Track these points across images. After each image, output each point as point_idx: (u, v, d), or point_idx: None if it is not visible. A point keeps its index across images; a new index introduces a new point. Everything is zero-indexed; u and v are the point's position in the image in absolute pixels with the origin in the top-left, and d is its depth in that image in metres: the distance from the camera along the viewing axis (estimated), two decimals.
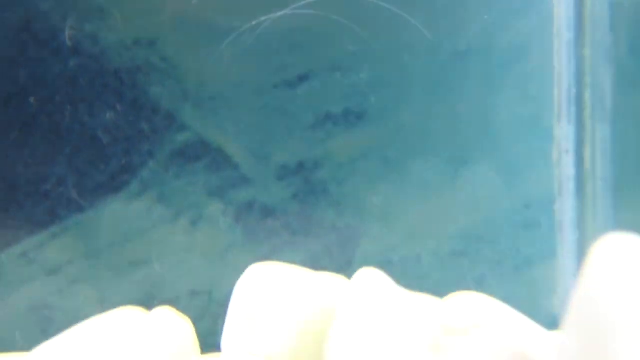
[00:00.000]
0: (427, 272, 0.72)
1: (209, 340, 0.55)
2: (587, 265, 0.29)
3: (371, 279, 0.46)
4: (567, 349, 0.30)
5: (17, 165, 0.64)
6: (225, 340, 0.52)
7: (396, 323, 0.43)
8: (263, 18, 0.67)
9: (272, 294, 0.50)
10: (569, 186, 0.72)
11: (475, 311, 0.51)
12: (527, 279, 0.73)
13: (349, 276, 0.49)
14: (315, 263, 0.54)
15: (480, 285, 0.67)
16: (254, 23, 0.67)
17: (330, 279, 0.51)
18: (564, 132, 0.72)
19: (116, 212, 0.66)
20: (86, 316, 0.45)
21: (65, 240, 0.65)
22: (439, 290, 0.52)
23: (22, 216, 0.64)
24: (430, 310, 0.45)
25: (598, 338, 0.28)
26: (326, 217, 0.70)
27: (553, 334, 0.46)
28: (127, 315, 0.44)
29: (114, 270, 0.67)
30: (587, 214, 0.71)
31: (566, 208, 0.72)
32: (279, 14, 0.68)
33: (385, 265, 0.48)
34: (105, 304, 0.47)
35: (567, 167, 0.72)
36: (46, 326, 0.63)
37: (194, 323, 0.55)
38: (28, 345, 0.46)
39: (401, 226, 0.72)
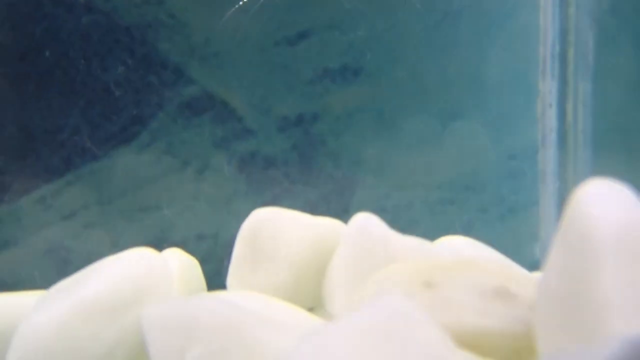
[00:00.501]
0: (417, 218, 0.72)
1: (215, 280, 0.55)
2: (569, 208, 0.29)
3: (367, 222, 0.46)
4: (547, 285, 0.31)
5: (34, 116, 0.64)
6: (231, 279, 0.52)
7: (390, 261, 0.43)
8: None
9: (274, 236, 0.50)
10: (552, 138, 0.72)
11: (462, 252, 0.51)
12: (511, 226, 0.73)
13: (345, 222, 0.50)
14: (313, 210, 0.55)
15: (467, 231, 0.68)
16: None
17: (328, 222, 0.51)
18: (547, 87, 0.72)
19: (127, 161, 0.67)
20: (100, 258, 0.45)
21: (80, 187, 0.66)
22: (429, 235, 0.52)
23: (40, 164, 0.64)
24: (422, 250, 0.46)
25: (577, 275, 0.28)
26: (324, 167, 0.71)
27: (534, 274, 0.47)
28: (140, 255, 0.44)
29: (126, 215, 0.67)
30: (568, 164, 0.71)
31: (548, 158, 0.73)
32: None
33: (379, 212, 0.48)
34: (117, 247, 0.47)
35: (550, 120, 0.72)
36: (63, 267, 0.63)
37: (201, 264, 0.55)
38: (46, 284, 0.46)
39: (394, 176, 0.72)
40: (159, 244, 0.61)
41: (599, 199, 0.28)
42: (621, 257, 0.27)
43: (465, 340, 0.35)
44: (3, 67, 0.62)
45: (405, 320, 0.28)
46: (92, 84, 0.65)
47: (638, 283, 0.27)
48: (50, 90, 0.64)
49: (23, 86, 0.63)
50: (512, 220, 0.73)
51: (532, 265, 0.61)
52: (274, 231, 0.50)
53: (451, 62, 0.72)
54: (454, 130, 0.73)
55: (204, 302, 0.38)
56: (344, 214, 0.56)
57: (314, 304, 0.50)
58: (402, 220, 0.70)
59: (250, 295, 0.45)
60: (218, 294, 0.46)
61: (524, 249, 0.71)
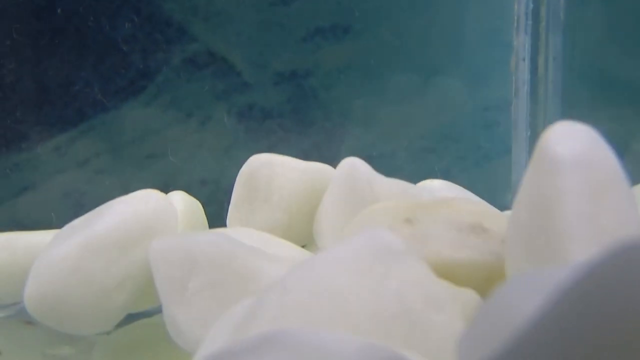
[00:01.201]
0: (400, 165, 0.72)
1: (217, 221, 0.55)
2: (537, 148, 0.29)
3: (354, 166, 0.46)
4: (517, 219, 0.31)
5: (49, 70, 0.63)
6: (230, 219, 0.52)
7: (375, 201, 0.43)
8: None
9: (269, 180, 0.50)
10: (524, 89, 0.72)
11: (441, 193, 0.51)
12: (486, 172, 0.73)
13: (335, 168, 0.50)
14: (305, 157, 0.54)
15: (445, 176, 0.67)
16: None
17: (318, 166, 0.51)
18: (521, 42, 0.71)
19: (136, 113, 0.66)
20: None
21: (92, 137, 0.65)
22: (411, 180, 0.52)
23: (55, 114, 0.64)
24: (404, 191, 0.46)
25: (543, 209, 0.28)
26: (315, 118, 0.70)
27: (506, 212, 0.47)
28: (147, 195, 0.44)
29: (135, 162, 0.67)
30: (538, 114, 0.71)
31: (520, 109, 0.72)
32: None
33: (365, 159, 0.49)
34: (127, 191, 0.47)
35: (523, 73, 0.72)
36: (77, 209, 0.63)
37: (204, 207, 0.55)
38: (62, 225, 0.46)
39: (379, 127, 0.72)
40: (166, 189, 0.61)
41: (565, 138, 0.28)
42: (583, 193, 0.27)
43: (442, 271, 0.35)
44: (20, 24, 0.61)
45: (388, 251, 0.28)
46: (101, 41, 0.64)
47: (597, 216, 0.27)
48: (62, 46, 0.63)
49: (37, 41, 0.62)
50: (486, 167, 0.73)
51: (505, 207, 0.61)
52: (269, 175, 0.50)
53: (432, 21, 0.72)
54: (434, 84, 0.73)
55: (205, 237, 0.38)
56: (333, 161, 0.56)
57: (307, 241, 0.50)
58: (387, 166, 0.69)
59: (247, 232, 0.45)
60: (218, 230, 0.46)
61: (498, 193, 0.71)
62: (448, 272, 0.35)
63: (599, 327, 0.11)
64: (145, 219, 0.42)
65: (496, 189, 0.72)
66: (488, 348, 0.16)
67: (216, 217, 0.55)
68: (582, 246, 0.26)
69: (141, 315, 0.46)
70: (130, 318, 0.44)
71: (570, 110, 0.70)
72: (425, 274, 0.28)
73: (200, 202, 0.54)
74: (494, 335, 0.19)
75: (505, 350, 0.13)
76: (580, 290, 0.12)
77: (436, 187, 0.52)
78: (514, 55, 0.72)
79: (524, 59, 0.71)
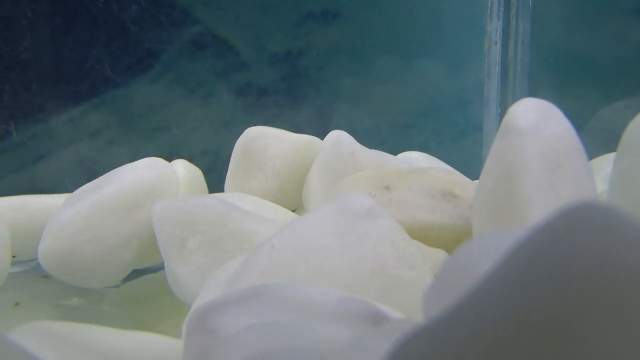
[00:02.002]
0: (384, 139, 0.72)
1: (216, 188, 0.55)
2: (503, 122, 0.29)
3: (340, 138, 0.46)
4: (483, 187, 0.31)
5: (63, 48, 0.62)
6: (228, 185, 0.52)
7: (358, 169, 0.43)
8: None
9: (263, 150, 0.50)
10: (496, 71, 0.71)
11: (418, 163, 0.51)
12: (460, 146, 0.73)
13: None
14: (297, 131, 0.54)
15: (424, 150, 0.67)
16: None
17: (308, 138, 0.51)
18: (494, 27, 0.71)
19: (143, 88, 0.66)
20: None
21: (103, 110, 0.65)
22: (392, 152, 0.52)
23: (69, 89, 0.63)
24: (384, 161, 0.45)
25: (507, 178, 0.28)
26: (307, 95, 0.70)
27: (475, 181, 0.47)
28: (152, 163, 0.44)
29: (142, 134, 0.67)
30: (508, 93, 0.71)
31: (492, 89, 0.72)
32: None
33: (352, 133, 0.49)
34: (135, 160, 0.47)
35: (494, 56, 0.71)
36: (89, 175, 0.63)
37: (205, 175, 0.55)
38: (76, 190, 0.46)
39: (365, 104, 0.72)
40: (170, 158, 0.61)
41: (528, 113, 0.28)
42: (543, 164, 0.27)
43: (416, 232, 0.35)
44: (37, 5, 0.61)
45: (366, 214, 0.28)
46: (111, 22, 0.63)
47: (556, 185, 0.27)
48: (75, 26, 0.62)
49: (52, 21, 0.62)
50: (461, 141, 0.73)
51: (476, 177, 0.61)
52: (263, 146, 0.50)
53: (414, 7, 0.71)
54: (415, 66, 0.72)
55: (203, 200, 0.38)
56: (323, 135, 0.56)
57: (297, 206, 0.50)
58: (371, 140, 0.69)
59: (242, 197, 0.45)
60: (216, 195, 0.46)
61: (470, 164, 0.71)
62: (421, 234, 0.35)
63: (550, 281, 0.11)
64: (150, 184, 0.42)
65: (469, 161, 0.71)
66: (449, 301, 0.16)
67: (216, 184, 0.55)
68: (540, 211, 0.26)
69: (145, 271, 0.46)
70: (136, 273, 0.45)
71: (537, 90, 0.69)
72: (399, 235, 0.28)
73: (201, 170, 0.54)
74: (455, 290, 0.19)
75: (464, 303, 0.13)
76: (533, 249, 0.12)
77: (414, 159, 0.52)
78: (487, 40, 0.72)
79: (495, 43, 0.71)
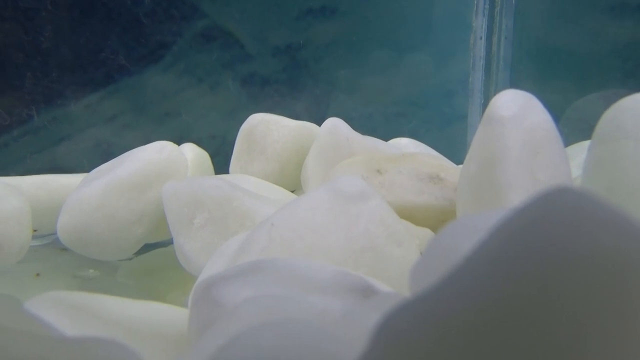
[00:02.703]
0: (376, 126, 0.72)
1: (222, 170, 0.54)
2: (487, 111, 0.29)
3: (335, 124, 0.45)
4: (467, 171, 0.30)
5: (81, 38, 0.61)
6: (232, 167, 0.52)
7: (352, 154, 0.43)
8: None
9: (264, 135, 0.49)
10: (480, 64, 0.71)
11: (407, 149, 0.51)
12: (446, 133, 0.73)
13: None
14: (297, 118, 0.54)
15: (413, 137, 0.67)
16: None
17: (306, 124, 0.51)
18: (479, 23, 0.70)
19: (155, 77, 0.65)
20: None
21: (118, 97, 0.64)
22: (384, 139, 0.52)
23: (86, 77, 0.63)
24: (376, 146, 0.45)
25: (489, 163, 0.28)
26: (306, 85, 0.70)
27: (459, 166, 0.46)
28: (162, 145, 0.43)
29: (154, 119, 0.66)
30: (491, 85, 0.71)
31: (476, 80, 0.72)
32: None
33: (347, 121, 0.48)
34: (147, 143, 0.47)
35: (479, 50, 0.71)
36: (105, 157, 0.62)
37: (212, 158, 0.55)
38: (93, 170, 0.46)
39: (359, 94, 0.72)
40: (180, 142, 0.61)
41: (509, 103, 0.28)
42: (523, 151, 0.27)
43: (405, 213, 0.35)
44: (57, 0, 0.60)
45: (359, 195, 0.28)
46: (125, 15, 0.62)
47: (534, 170, 0.27)
48: (93, 18, 0.62)
49: (71, 14, 0.61)
50: (447, 129, 0.73)
51: (460, 162, 0.61)
52: (265, 132, 0.49)
53: (405, 5, 0.71)
54: (405, 59, 0.72)
55: (209, 181, 0.37)
56: (321, 122, 0.55)
57: (295, 187, 0.50)
58: (365, 127, 0.69)
59: (245, 178, 0.44)
60: (221, 176, 0.45)
61: (455, 150, 0.71)
62: (409, 214, 0.35)
63: (528, 260, 0.11)
64: (160, 165, 0.42)
65: (454, 147, 0.71)
66: (434, 277, 0.15)
67: (221, 166, 0.55)
68: (520, 195, 0.26)
69: (156, 245, 0.45)
70: (147, 247, 0.44)
71: (518, 82, 0.69)
72: (389, 215, 0.28)
73: (208, 153, 0.54)
74: (440, 267, 0.18)
75: (448, 279, 0.12)
76: (512, 230, 0.11)
77: (404, 144, 0.52)
78: (472, 35, 0.71)
79: (480, 38, 0.70)
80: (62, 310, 0.21)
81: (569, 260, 0.10)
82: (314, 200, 0.28)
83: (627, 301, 0.10)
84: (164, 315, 0.24)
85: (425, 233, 0.33)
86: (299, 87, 0.70)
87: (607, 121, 0.27)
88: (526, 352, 0.11)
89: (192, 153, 0.50)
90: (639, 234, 0.10)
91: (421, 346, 0.12)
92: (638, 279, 0.10)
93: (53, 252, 0.45)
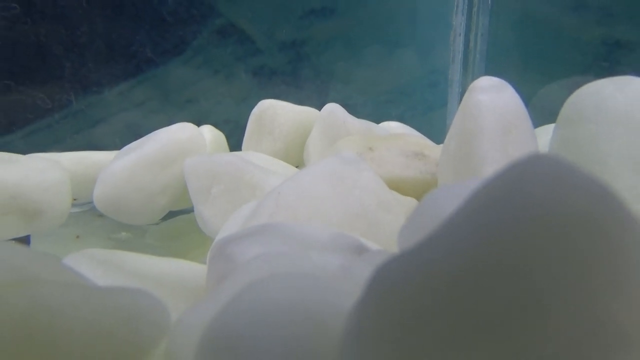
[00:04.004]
0: (369, 111, 0.71)
1: (235, 149, 0.54)
2: (465, 96, 0.28)
3: (333, 109, 0.45)
4: (447, 148, 0.30)
5: (112, 34, 0.60)
6: (244, 147, 0.51)
7: (347, 134, 0.43)
8: None
9: (272, 118, 0.49)
10: (459, 58, 0.70)
11: (395, 131, 0.50)
12: (429, 118, 0.72)
13: None
14: (300, 104, 0.54)
15: (400, 121, 0.67)
16: None
17: (308, 109, 0.50)
18: (459, 21, 0.69)
19: (177, 68, 0.64)
20: None
21: (146, 85, 0.64)
22: (375, 122, 0.52)
23: (118, 67, 0.62)
24: (368, 128, 0.45)
25: (466, 141, 0.28)
26: (309, 76, 0.69)
27: (440, 145, 0.46)
28: (183, 127, 0.43)
29: (177, 105, 0.66)
30: (468, 76, 0.70)
31: (455, 72, 0.71)
32: None
33: (343, 107, 0.48)
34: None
35: (458, 45, 0.70)
36: (135, 137, 0.62)
37: (227, 139, 0.54)
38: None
39: (355, 84, 0.71)
40: (199, 125, 0.60)
41: (485, 89, 0.27)
42: (496, 130, 0.26)
43: (393, 185, 0.35)
44: None
45: (355, 167, 0.28)
46: (152, 13, 0.61)
47: (506, 146, 0.26)
48: (123, 16, 0.61)
49: (105, 12, 0.60)
50: (429, 114, 0.72)
51: (441, 142, 0.61)
52: (273, 115, 0.49)
53: (394, 6, 0.70)
54: (395, 54, 0.71)
55: (225, 157, 0.37)
56: (320, 108, 0.55)
57: (299, 163, 0.50)
58: (359, 112, 0.69)
59: (256, 155, 0.44)
60: (235, 153, 0.45)
61: (436, 133, 0.70)
62: (397, 186, 0.35)
63: (506, 220, 0.11)
64: (182, 143, 0.41)
65: (436, 130, 0.71)
66: (419, 236, 0.15)
67: (235, 145, 0.55)
68: (493, 167, 0.26)
69: (179, 212, 0.45)
70: (171, 214, 0.44)
71: (492, 74, 0.68)
72: (380, 186, 0.28)
73: (224, 134, 0.53)
74: (425, 228, 0.18)
75: (432, 236, 0.12)
76: (492, 192, 0.11)
77: (392, 127, 0.51)
78: (452, 32, 0.70)
79: (460, 35, 0.69)
80: (95, 265, 0.21)
81: (544, 216, 0.10)
82: (315, 172, 0.28)
83: (596, 253, 0.10)
84: (185, 270, 0.24)
85: (411, 202, 0.33)
86: (302, 78, 0.69)
87: (571, 105, 0.26)
88: (505, 299, 0.10)
89: (209, 134, 0.50)
90: (605, 193, 0.10)
91: (409, 294, 0.11)
92: (604, 233, 0.10)
93: (90, 217, 0.45)
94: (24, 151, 0.44)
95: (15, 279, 0.13)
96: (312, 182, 0.27)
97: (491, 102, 0.26)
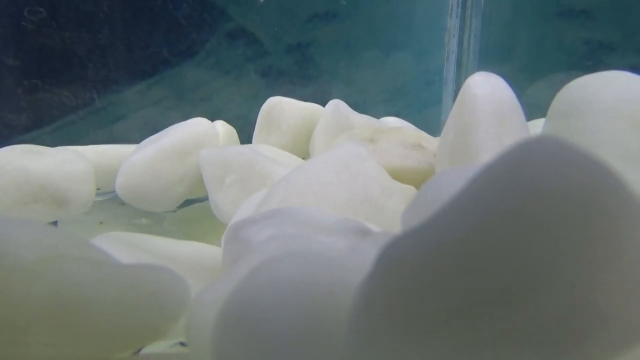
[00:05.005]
0: (368, 109, 0.70)
1: (246, 142, 0.54)
2: (462, 90, 0.28)
3: (337, 105, 0.44)
4: (445, 139, 0.30)
5: (130, 36, 0.60)
6: (254, 140, 0.51)
7: (350, 128, 0.42)
8: None
9: (280, 114, 0.49)
10: (453, 58, 0.69)
11: (394, 124, 0.50)
12: (425, 115, 0.72)
13: None
14: (305, 101, 0.54)
15: (398, 117, 0.67)
16: None
17: (314, 105, 0.50)
18: (453, 24, 0.69)
19: (192, 69, 0.64)
20: None
21: (162, 84, 0.63)
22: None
23: (136, 67, 0.61)
24: (369, 122, 0.44)
25: (463, 131, 0.27)
26: (313, 76, 0.69)
27: (437, 138, 0.46)
28: (198, 121, 0.43)
29: (191, 102, 0.65)
30: (461, 75, 0.69)
31: (449, 71, 0.70)
32: None
33: None
34: None
35: (452, 46, 0.69)
36: (153, 133, 0.62)
37: (238, 134, 0.54)
38: None
39: (355, 84, 0.71)
40: (212, 121, 0.60)
41: (481, 83, 0.27)
42: (492, 121, 0.26)
43: (393, 174, 0.34)
44: (111, 2, 0.58)
45: (358, 158, 0.27)
46: (168, 18, 0.61)
47: (500, 136, 0.26)
48: (141, 20, 0.60)
49: (124, 16, 0.59)
50: (425, 111, 0.72)
51: (436, 136, 0.60)
52: (280, 111, 0.49)
53: (392, 11, 0.69)
54: (393, 56, 0.71)
55: (237, 148, 0.37)
56: (324, 105, 0.55)
57: (305, 156, 0.49)
58: (359, 110, 0.69)
59: (265, 148, 0.44)
60: (246, 145, 0.45)
61: (432, 129, 0.70)
62: (396, 175, 0.34)
63: (511, 198, 0.10)
64: (197, 136, 0.41)
65: (431, 126, 0.70)
66: (422, 217, 0.15)
67: (246, 140, 0.54)
68: (489, 156, 0.25)
69: (194, 201, 0.45)
70: (187, 202, 0.44)
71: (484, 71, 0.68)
72: (382, 174, 0.28)
73: (235, 129, 0.53)
74: (427, 209, 0.18)
75: (440, 213, 0.12)
76: (498, 171, 0.11)
77: (391, 122, 0.51)
78: (447, 34, 0.69)
79: (454, 36, 0.69)
80: (119, 246, 0.21)
81: (546, 192, 0.09)
82: (321, 162, 0.27)
83: (593, 229, 0.09)
84: (201, 251, 0.24)
85: (410, 190, 0.32)
86: (306, 78, 0.69)
87: (561, 99, 0.26)
88: (505, 272, 0.10)
89: (222, 128, 0.49)
90: (605, 171, 0.09)
91: (418, 268, 0.11)
92: (603, 210, 0.09)
93: (113, 205, 0.45)
94: (50, 145, 0.44)
95: (47, 256, 0.12)
96: (318, 170, 0.27)
97: (486, 95, 0.26)
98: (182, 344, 0.18)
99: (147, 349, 0.15)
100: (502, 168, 0.10)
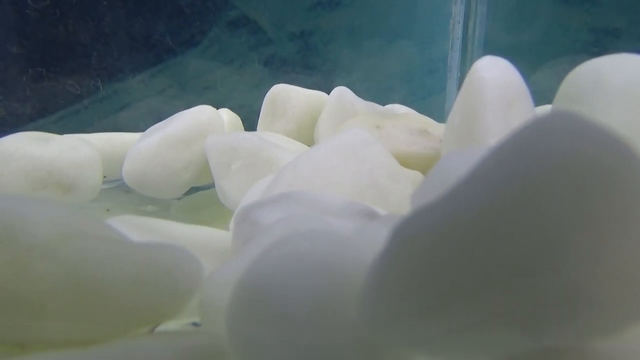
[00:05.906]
0: (372, 98, 0.70)
1: (250, 130, 0.54)
2: (469, 74, 0.28)
3: (342, 91, 0.44)
4: (451, 123, 0.29)
5: (134, 25, 0.60)
6: (259, 128, 0.51)
7: (355, 115, 0.42)
8: None
9: (285, 101, 0.48)
10: (457, 45, 0.69)
11: (399, 111, 0.50)
12: (429, 102, 0.72)
13: None
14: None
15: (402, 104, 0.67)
16: None
17: (318, 93, 0.50)
18: (458, 10, 0.68)
19: (195, 57, 0.64)
20: None
21: (166, 73, 0.63)
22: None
23: (140, 57, 0.61)
24: (374, 109, 0.44)
25: (470, 116, 0.27)
26: (316, 64, 0.68)
27: (442, 124, 0.45)
28: (204, 109, 0.43)
29: (195, 91, 0.65)
30: (466, 62, 0.69)
31: (454, 58, 0.70)
32: None
33: None
34: None
35: (457, 32, 0.69)
36: (157, 121, 0.62)
37: (242, 122, 0.54)
38: None
39: (358, 71, 0.70)
40: (216, 108, 0.60)
41: (488, 67, 0.27)
42: (499, 104, 0.26)
43: (399, 160, 0.34)
44: None
45: (365, 143, 0.27)
46: (171, 6, 0.61)
47: (508, 119, 0.26)
48: (145, 8, 0.60)
49: (128, 5, 0.59)
50: (429, 99, 0.72)
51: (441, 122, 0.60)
52: (285, 98, 0.49)
53: None
54: (395, 44, 0.70)
55: (243, 135, 0.37)
56: (327, 94, 0.55)
57: (310, 143, 0.49)
58: (363, 98, 0.69)
59: (270, 135, 0.44)
60: (251, 132, 0.45)
61: (436, 116, 0.70)
62: (403, 161, 0.34)
63: (524, 168, 0.10)
64: (202, 123, 0.41)
65: (435, 113, 0.70)
66: (431, 197, 0.15)
67: (250, 128, 0.54)
68: (497, 139, 0.25)
69: (200, 188, 0.45)
70: (193, 189, 0.44)
71: None
72: (388, 158, 0.28)
73: (240, 117, 0.53)
74: (437, 190, 0.18)
75: (455, 189, 0.12)
76: (511, 145, 0.11)
77: (396, 108, 0.51)
78: (452, 20, 0.69)
79: (459, 23, 0.68)
80: (131, 227, 0.21)
81: (562, 166, 0.09)
82: (328, 147, 0.27)
83: (611, 201, 0.09)
84: (210, 235, 0.24)
85: (416, 175, 0.32)
86: (310, 66, 0.69)
87: (570, 82, 0.26)
88: (520, 248, 0.10)
89: (227, 116, 0.49)
90: (621, 146, 0.09)
91: (432, 244, 0.11)
92: (620, 182, 0.09)
93: (120, 193, 0.45)
94: (56, 133, 0.44)
95: (64, 233, 0.13)
96: (325, 155, 0.27)
97: (494, 78, 0.26)
98: (194, 324, 0.18)
99: (161, 328, 0.16)
100: (517, 144, 0.10)
